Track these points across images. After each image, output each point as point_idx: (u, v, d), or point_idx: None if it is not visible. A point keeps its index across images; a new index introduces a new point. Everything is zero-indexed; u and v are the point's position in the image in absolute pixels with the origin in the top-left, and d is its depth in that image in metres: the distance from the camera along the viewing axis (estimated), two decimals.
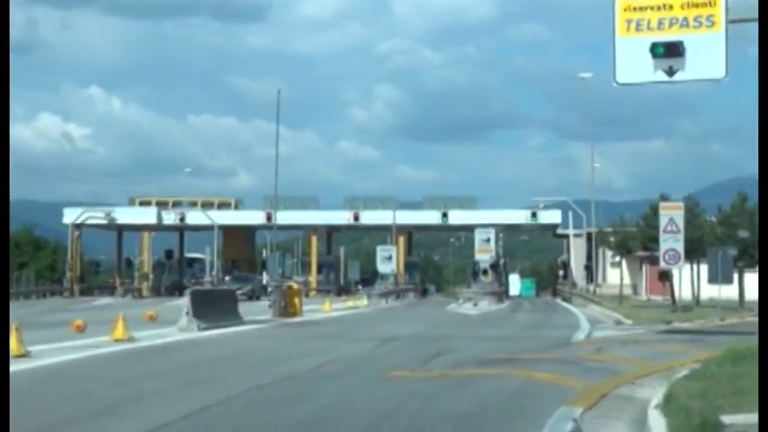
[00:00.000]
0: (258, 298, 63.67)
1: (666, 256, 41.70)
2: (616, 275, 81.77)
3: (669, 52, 26.83)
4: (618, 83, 27.66)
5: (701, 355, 22.11)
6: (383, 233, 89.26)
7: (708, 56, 26.84)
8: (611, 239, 57.21)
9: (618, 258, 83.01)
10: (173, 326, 30.24)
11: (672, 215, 41.90)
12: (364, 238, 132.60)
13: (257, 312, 40.77)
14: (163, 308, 42.26)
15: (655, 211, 50.77)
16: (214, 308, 32.05)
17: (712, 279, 45.30)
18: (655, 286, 76.87)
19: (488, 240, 74.49)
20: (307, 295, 74.02)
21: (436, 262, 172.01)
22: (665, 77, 27.27)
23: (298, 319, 39.68)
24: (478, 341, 27.57)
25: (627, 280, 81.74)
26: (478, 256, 74.67)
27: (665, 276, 44.72)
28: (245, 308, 43.10)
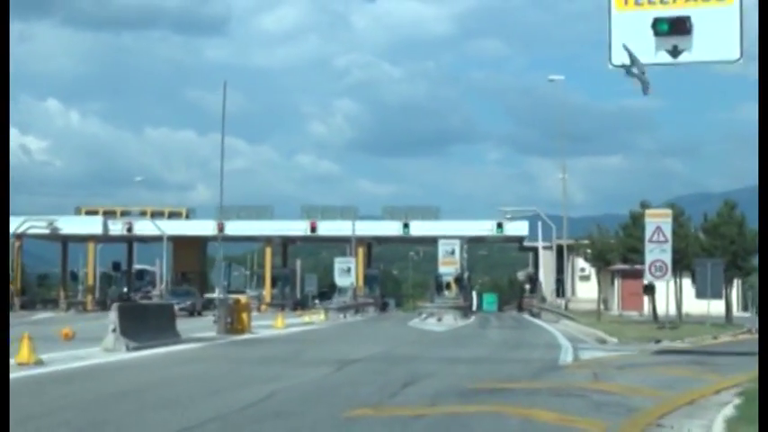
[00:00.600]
0: (200, 313, 59.54)
1: (653, 269, 38.08)
2: (585, 289, 78.25)
3: (674, 29, 23.21)
4: (613, 65, 23.94)
5: (716, 381, 19.00)
6: (343, 246, 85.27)
7: (719, 34, 23.17)
8: (588, 251, 53.21)
9: (587, 272, 79.53)
10: (99, 345, 26.12)
11: (659, 223, 38.31)
12: (323, 251, 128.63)
13: (201, 329, 36.79)
14: (96, 324, 38.02)
15: (635, 220, 47.17)
16: (146, 325, 27.90)
17: (701, 293, 41.72)
18: (628, 301, 73.38)
19: (453, 252, 70.60)
20: (260, 310, 70.18)
21: (395, 276, 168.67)
22: (668, 59, 23.67)
23: (245, 336, 35.64)
24: (453, 364, 23.69)
25: (596, 294, 78.27)
26: (442, 269, 70.74)
27: (651, 290, 40.89)
28: (189, 324, 39.25)
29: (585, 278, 79.20)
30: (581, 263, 78.19)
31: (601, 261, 52.36)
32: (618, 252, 48.54)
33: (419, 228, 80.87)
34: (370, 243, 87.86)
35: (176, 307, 51.46)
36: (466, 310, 65.74)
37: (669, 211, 39.37)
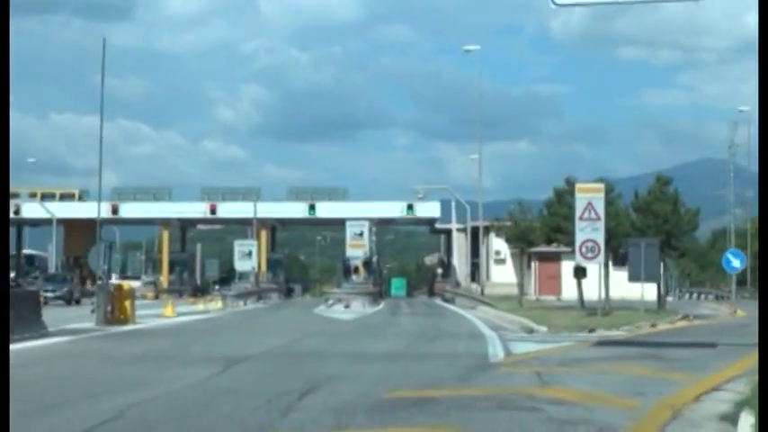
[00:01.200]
0: (78, 302, 54.71)
1: (583, 249, 34.45)
2: (501, 273, 74.82)
3: None
4: (556, 4, 20.06)
5: (687, 383, 15.77)
6: (248, 230, 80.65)
7: None
8: (509, 232, 49.00)
9: (502, 255, 76.05)
10: None
11: (590, 199, 34.68)
12: (228, 236, 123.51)
13: (77, 320, 32.41)
14: None
15: (560, 196, 43.56)
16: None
17: (634, 276, 38.22)
18: (545, 285, 70.12)
19: (361, 234, 66.57)
20: (156, 297, 65.67)
21: (302, 261, 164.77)
22: None
23: (127, 327, 31.29)
24: (363, 362, 19.68)
25: (513, 278, 74.86)
26: (350, 252, 66.69)
27: (581, 273, 37.20)
28: (61, 314, 34.92)
29: (501, 261, 75.68)
30: (496, 245, 74.73)
31: (523, 242, 48.26)
32: (542, 232, 44.72)
33: (326, 209, 76.72)
34: (273, 226, 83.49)
35: (51, 295, 46.70)
36: (375, 296, 61.86)
37: (601, 186, 35.71)
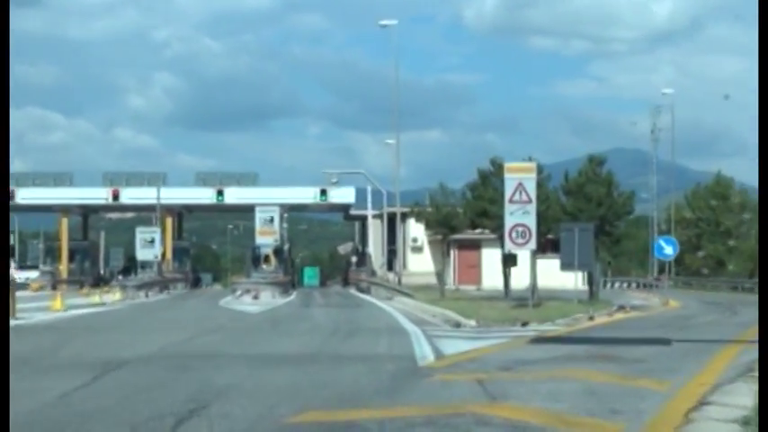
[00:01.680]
0: None
1: (513, 234, 31.43)
2: (418, 262, 71.81)
3: None
4: None
5: (664, 393, 12.97)
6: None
7: None
8: (430, 218, 45.06)
9: (419, 242, 72.98)
10: None
11: (521, 179, 31.64)
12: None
13: None
14: None
15: (484, 178, 40.51)
16: None
17: (567, 265, 35.28)
18: (465, 274, 67.13)
19: (271, 221, 62.92)
20: (54, 288, 61.81)
21: (214, 251, 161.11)
22: None
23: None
24: (266, 367, 16.39)
25: (430, 267, 71.86)
26: (260, 239, 63.06)
27: (512, 261, 33.89)
28: None
29: (418, 249, 72.60)
30: (413, 232, 71.65)
31: (445, 228, 44.63)
32: (465, 217, 41.40)
33: (234, 195, 72.81)
34: (180, 213, 79.43)
35: None
36: (286, 286, 58.41)
37: (533, 165, 32.62)
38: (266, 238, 62.13)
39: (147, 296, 52.37)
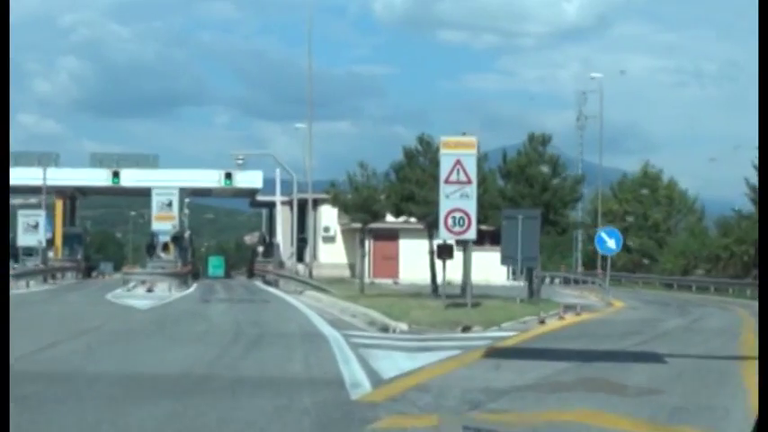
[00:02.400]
0: None
1: (450, 221, 26.68)
2: (329, 253, 66.92)
3: None
4: None
5: None
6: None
7: None
8: (349, 202, 38.83)
9: (331, 231, 67.96)
10: None
11: (459, 156, 26.88)
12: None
13: None
14: None
15: (411, 158, 35.65)
16: None
17: (509, 258, 30.56)
18: (380, 267, 62.12)
19: (170, 205, 57.31)
20: None
21: (118, 239, 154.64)
22: None
23: None
24: (131, 395, 11.38)
25: (343, 258, 66.96)
26: (157, 225, 57.36)
27: (447, 253, 28.84)
28: None
29: (330, 239, 67.51)
30: (325, 221, 66.58)
31: (365, 213, 38.50)
32: (389, 201, 36.02)
33: (132, 177, 66.86)
34: (72, 195, 73.32)
35: None
36: (186, 278, 52.89)
37: (474, 140, 27.72)
38: (164, 224, 56.47)
39: (27, 286, 46.75)
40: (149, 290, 44.04)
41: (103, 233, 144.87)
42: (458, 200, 26.59)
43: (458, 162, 26.61)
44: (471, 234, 27.06)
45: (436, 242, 30.47)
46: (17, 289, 43.99)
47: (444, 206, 26.74)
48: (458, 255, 37.65)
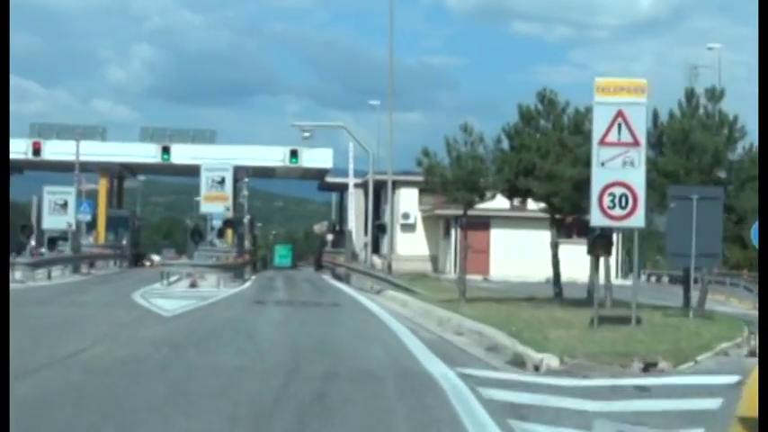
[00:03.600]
0: None
1: (606, 200, 18.27)
2: (408, 244, 58.68)
3: None
4: None
5: None
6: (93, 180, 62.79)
7: None
8: (446, 176, 28.53)
9: (411, 219, 59.63)
10: None
11: (622, 105, 18.44)
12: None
13: None
14: None
15: (529, 119, 27.06)
16: None
17: (677, 255, 21.90)
18: (470, 260, 53.41)
19: (222, 182, 48.91)
20: None
21: (186, 226, 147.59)
22: None
23: None
24: None
25: (424, 250, 58.67)
26: (206, 207, 49.01)
27: (605, 246, 20.24)
28: None
29: (409, 228, 59.06)
30: (404, 207, 58.19)
31: (470, 192, 27.86)
32: (503, 176, 26.49)
33: (184, 153, 58.92)
34: (120, 173, 65.64)
35: None
36: (241, 270, 44.62)
37: (644, 82, 19.11)
38: (215, 205, 48.05)
39: (49, 278, 39.05)
40: (192, 284, 36.07)
41: (171, 219, 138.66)
42: (619, 169, 18.09)
43: (620, 114, 18.08)
44: (638, 220, 18.44)
45: (589, 232, 21.42)
46: (34, 281, 36.36)
47: (599, 179, 18.19)
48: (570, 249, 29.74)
